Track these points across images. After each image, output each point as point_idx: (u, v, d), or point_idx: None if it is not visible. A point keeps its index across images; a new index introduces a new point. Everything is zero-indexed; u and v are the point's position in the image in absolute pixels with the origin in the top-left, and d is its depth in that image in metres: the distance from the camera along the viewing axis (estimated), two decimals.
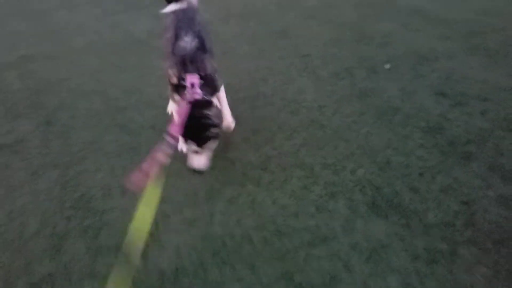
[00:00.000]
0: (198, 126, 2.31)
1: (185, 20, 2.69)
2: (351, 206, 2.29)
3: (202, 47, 2.58)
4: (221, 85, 2.75)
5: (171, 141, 2.22)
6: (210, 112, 2.38)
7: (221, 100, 2.83)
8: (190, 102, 2.35)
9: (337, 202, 2.33)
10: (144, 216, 1.94)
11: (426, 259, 1.97)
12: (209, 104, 2.41)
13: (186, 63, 2.50)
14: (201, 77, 2.47)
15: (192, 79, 2.44)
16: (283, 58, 4.00)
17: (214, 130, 2.36)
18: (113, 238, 2.25)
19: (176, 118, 2.30)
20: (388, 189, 2.38)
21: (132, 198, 2.40)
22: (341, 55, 3.92)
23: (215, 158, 2.62)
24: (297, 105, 3.23)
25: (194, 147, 2.35)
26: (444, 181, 2.38)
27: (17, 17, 6.01)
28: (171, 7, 2.77)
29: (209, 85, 2.54)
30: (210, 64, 2.58)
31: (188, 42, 2.57)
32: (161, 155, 2.15)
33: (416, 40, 4.01)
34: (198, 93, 2.41)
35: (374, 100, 3.21)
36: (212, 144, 2.43)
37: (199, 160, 2.39)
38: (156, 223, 2.30)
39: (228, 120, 2.93)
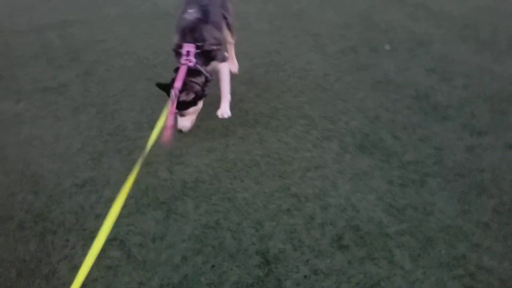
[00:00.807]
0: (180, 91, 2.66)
1: None
2: (342, 145, 2.75)
3: (204, 19, 2.85)
4: (223, 58, 2.94)
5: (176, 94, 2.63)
6: (195, 81, 2.75)
7: (222, 73, 2.98)
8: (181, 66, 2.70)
9: (331, 142, 2.79)
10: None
11: (399, 184, 2.42)
12: (197, 73, 2.75)
13: (186, 32, 2.83)
14: (198, 47, 2.77)
15: (188, 47, 2.77)
16: (296, 36, 4.46)
17: (194, 98, 2.69)
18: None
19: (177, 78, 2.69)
20: (374, 136, 2.83)
21: (145, 135, 2.87)
22: (348, 36, 4.37)
23: (232, 108, 3.09)
24: (305, 72, 3.69)
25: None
26: (423, 133, 2.83)
27: None
28: None
29: (205, 55, 2.81)
30: (212, 35, 2.84)
31: (191, 13, 2.87)
32: (172, 107, 2.60)
33: (416, 28, 4.46)
34: (190, 61, 2.74)
35: (372, 72, 3.66)
36: (193, 110, 2.77)
37: (182, 122, 2.76)
38: (180, 149, 2.77)
39: (225, 93, 3.05)
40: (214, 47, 2.85)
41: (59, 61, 4.05)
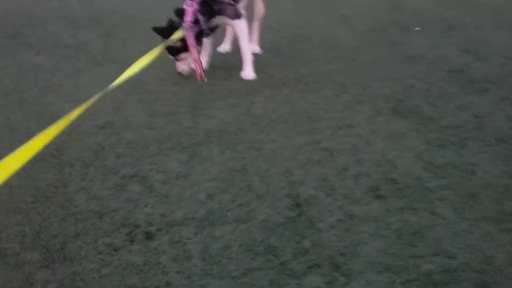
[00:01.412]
0: (170, 34, 2.60)
1: None
2: (374, 108, 2.62)
3: None
4: (236, 14, 2.83)
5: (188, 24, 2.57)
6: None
7: (237, 31, 2.90)
8: (179, 11, 2.65)
9: (362, 105, 2.66)
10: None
11: (437, 145, 2.28)
12: (195, 20, 2.65)
13: None
14: None
15: None
16: (322, 14, 4.36)
17: (183, 44, 2.62)
18: (166, 107, 2.60)
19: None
20: (409, 102, 2.70)
21: (182, 86, 2.77)
22: (376, 17, 4.26)
23: (256, 72, 3.00)
24: (333, 45, 3.58)
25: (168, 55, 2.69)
26: (460, 102, 2.69)
27: None
28: None
29: (211, 5, 2.70)
30: None
31: None
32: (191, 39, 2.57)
33: (447, 14, 4.34)
34: (191, 6, 2.64)
35: (403, 48, 3.54)
36: (186, 55, 2.71)
37: (180, 66, 2.77)
38: (203, 103, 2.65)
39: (245, 51, 2.94)
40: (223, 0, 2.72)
41: (80, 23, 3.98)
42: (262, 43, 3.41)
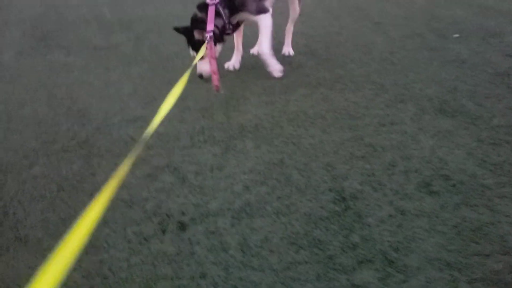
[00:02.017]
0: (193, 29, 2.49)
1: None
2: (419, 107, 2.46)
3: None
4: (261, 9, 2.69)
5: (210, 34, 2.45)
6: (215, 22, 2.51)
7: (261, 25, 2.71)
8: (202, 5, 2.54)
9: (405, 104, 2.50)
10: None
11: (490, 143, 2.10)
12: (217, 14, 2.53)
13: None
14: None
15: None
16: (355, 22, 4.24)
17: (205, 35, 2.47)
18: (198, 103, 2.49)
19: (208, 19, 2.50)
20: (454, 102, 2.53)
21: (197, 86, 2.66)
22: (411, 25, 4.12)
23: (289, 73, 2.86)
24: (368, 49, 3.44)
25: (191, 51, 2.55)
26: (510, 103, 2.51)
27: None
28: None
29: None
30: None
31: None
32: (212, 51, 2.42)
33: (485, 23, 4.17)
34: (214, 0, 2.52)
35: (443, 53, 3.37)
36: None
37: (201, 66, 2.59)
38: (236, 100, 2.53)
39: (262, 47, 2.77)
40: None
41: (110, 28, 3.94)
42: (295, 46, 3.30)
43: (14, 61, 3.06)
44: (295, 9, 3.11)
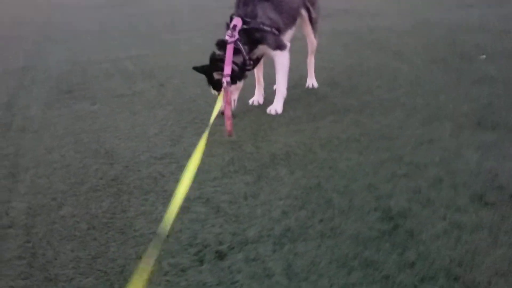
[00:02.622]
0: (213, 68, 2.46)
1: None
2: (456, 124, 2.35)
3: None
4: (279, 45, 2.63)
5: (227, 79, 2.41)
6: (234, 59, 2.48)
7: (276, 63, 2.68)
8: (221, 42, 2.50)
9: (441, 122, 2.40)
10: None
11: None
12: (237, 51, 2.49)
13: (239, 5, 2.61)
14: (245, 22, 2.51)
15: (236, 21, 2.52)
16: (375, 53, 4.22)
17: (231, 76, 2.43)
18: (224, 137, 2.43)
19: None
20: (492, 116, 2.42)
21: (241, 118, 2.62)
22: (433, 51, 4.07)
23: (315, 103, 2.83)
24: (393, 76, 3.38)
25: (212, 90, 2.51)
26: None
27: (130, 36, 6.73)
28: None
29: (252, 33, 2.53)
30: (266, 14, 2.56)
31: None
32: (227, 97, 2.38)
33: (509, 45, 4.10)
34: (232, 36, 2.49)
35: (471, 74, 3.29)
36: (232, 90, 2.50)
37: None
38: (264, 131, 2.47)
39: (279, 85, 2.72)
40: (265, 27, 2.55)
41: (134, 78, 3.98)
42: (317, 79, 3.26)
43: (41, 113, 3.08)
44: (312, 41, 3.10)
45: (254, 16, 2.57)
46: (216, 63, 2.55)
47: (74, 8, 14.58)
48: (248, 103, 2.93)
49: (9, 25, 9.66)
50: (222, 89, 2.44)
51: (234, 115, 2.64)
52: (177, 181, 1.89)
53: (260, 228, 1.55)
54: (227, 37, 2.56)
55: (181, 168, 2.09)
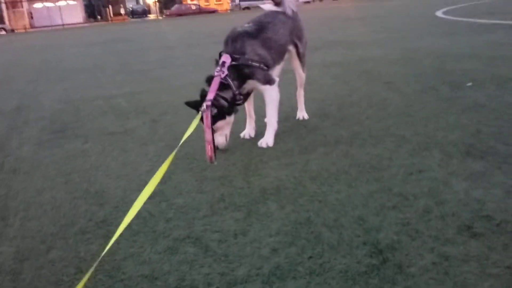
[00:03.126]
0: (201, 104, 2.50)
1: (265, 15, 2.85)
2: (445, 153, 2.36)
3: (254, 33, 2.66)
4: (267, 80, 2.67)
5: (207, 103, 2.46)
6: (222, 94, 2.55)
7: (265, 97, 2.71)
8: (210, 78, 2.57)
9: (430, 151, 2.41)
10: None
11: None
12: (226, 86, 2.56)
13: (228, 42, 2.67)
14: (234, 59, 2.57)
15: (225, 58, 2.58)
16: (365, 84, 4.28)
17: (217, 112, 2.51)
18: (216, 172, 2.44)
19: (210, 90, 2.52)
20: (481, 144, 2.44)
21: (233, 152, 2.63)
22: (423, 80, 4.13)
23: (306, 135, 2.86)
24: (383, 106, 3.42)
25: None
26: None
27: (123, 73, 6.82)
28: (267, 7, 3.03)
29: (241, 69, 2.58)
30: (254, 51, 2.62)
31: (243, 27, 2.71)
32: (207, 120, 2.44)
33: (498, 71, 4.17)
34: (220, 72, 2.55)
35: (460, 101, 3.33)
36: (221, 124, 2.58)
37: (217, 138, 2.59)
38: (255, 165, 2.48)
39: (271, 119, 2.77)
40: (253, 63, 2.60)
41: (126, 115, 4.02)
42: (307, 111, 3.30)
43: (33, 154, 3.09)
44: (300, 75, 3.15)
45: (243, 53, 2.61)
46: (205, 99, 2.58)
47: (67, 47, 14.83)
48: (239, 136, 2.94)
49: (3, 66, 9.79)
50: (200, 114, 2.47)
51: (226, 149, 2.66)
52: (166, 220, 1.90)
53: (249, 267, 1.54)
54: (216, 73, 2.60)
55: (171, 206, 2.09)
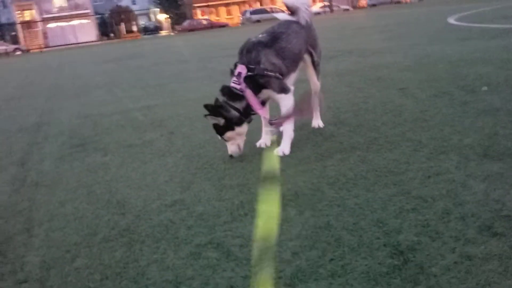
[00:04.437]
0: (216, 113, 2.59)
1: (279, 26, 2.89)
2: (462, 155, 2.37)
3: (268, 43, 2.71)
4: (283, 89, 2.71)
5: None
6: (234, 105, 2.62)
7: (281, 106, 2.74)
8: (225, 89, 2.66)
9: (447, 155, 2.42)
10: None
11: None
12: (239, 97, 2.63)
13: (243, 53, 2.72)
14: (249, 69, 2.62)
15: (240, 68, 2.64)
16: (380, 91, 4.30)
17: (225, 122, 2.59)
18: (234, 180, 2.47)
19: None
20: (498, 146, 2.44)
21: (250, 161, 2.67)
22: (437, 86, 4.13)
23: (322, 142, 2.89)
24: (398, 112, 3.43)
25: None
26: None
27: (138, 88, 6.93)
28: (282, 16, 3.09)
29: (256, 79, 2.63)
30: (269, 60, 2.66)
31: (257, 37, 2.77)
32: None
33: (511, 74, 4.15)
34: (237, 82, 2.61)
35: (475, 105, 3.33)
36: (232, 134, 2.66)
37: (229, 147, 2.71)
38: (272, 173, 2.51)
39: (286, 128, 2.75)
40: (268, 73, 2.64)
41: (144, 128, 4.08)
42: (323, 119, 3.32)
43: (54, 167, 3.16)
44: (315, 83, 3.17)
45: (258, 62, 2.65)
46: (217, 108, 2.63)
47: (82, 64, 15.10)
48: (256, 145, 2.97)
49: (21, 84, 10.00)
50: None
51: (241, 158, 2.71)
52: (187, 227, 1.93)
53: (271, 270, 1.56)
54: (233, 84, 2.64)
55: (191, 214, 2.13)
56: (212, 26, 46.13)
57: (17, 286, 1.71)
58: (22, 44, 49.49)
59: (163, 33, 57.02)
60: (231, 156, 2.69)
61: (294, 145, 2.82)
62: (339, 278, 1.47)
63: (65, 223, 2.21)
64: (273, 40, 2.77)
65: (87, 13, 55.88)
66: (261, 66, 2.65)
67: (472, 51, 5.86)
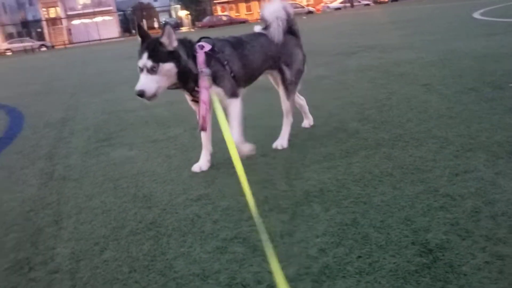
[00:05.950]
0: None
1: (247, 35, 2.81)
2: (490, 153, 2.33)
3: (233, 44, 2.66)
4: (234, 93, 2.59)
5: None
6: (186, 49, 2.46)
7: (230, 109, 2.61)
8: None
9: (475, 152, 2.38)
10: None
11: None
12: (193, 51, 2.46)
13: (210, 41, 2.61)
14: (213, 50, 2.52)
15: (205, 44, 2.54)
16: (403, 87, 4.24)
17: (174, 50, 2.38)
18: (258, 176, 2.48)
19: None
20: None
21: (274, 157, 2.67)
22: (462, 82, 4.06)
23: (347, 139, 2.86)
24: (424, 108, 3.39)
25: None
26: None
27: None
28: (257, 28, 2.98)
29: (212, 65, 2.50)
30: (232, 60, 2.59)
31: (224, 37, 2.72)
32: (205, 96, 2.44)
33: None
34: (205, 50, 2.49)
35: (503, 102, 3.27)
36: (166, 68, 2.40)
37: (148, 81, 2.48)
38: (296, 169, 2.50)
39: (233, 134, 2.55)
40: (226, 67, 2.54)
41: (167, 124, 4.12)
42: (346, 115, 3.30)
43: (81, 162, 3.21)
44: (285, 102, 2.92)
45: (222, 52, 2.55)
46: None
47: (105, 60, 15.27)
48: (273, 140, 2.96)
49: (47, 80, 10.17)
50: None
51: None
52: (213, 221, 1.94)
53: (298, 266, 1.56)
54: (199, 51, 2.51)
55: (216, 208, 2.14)
56: (231, 22, 46.16)
57: (48, 276, 1.75)
58: (47, 40, 50.36)
59: (184, 29, 57.29)
60: (141, 95, 2.42)
61: (317, 141, 2.82)
62: (367, 275, 1.46)
63: (93, 216, 2.24)
64: (238, 44, 2.67)
65: (110, 10, 56.52)
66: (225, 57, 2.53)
67: (499, 46, 5.74)
